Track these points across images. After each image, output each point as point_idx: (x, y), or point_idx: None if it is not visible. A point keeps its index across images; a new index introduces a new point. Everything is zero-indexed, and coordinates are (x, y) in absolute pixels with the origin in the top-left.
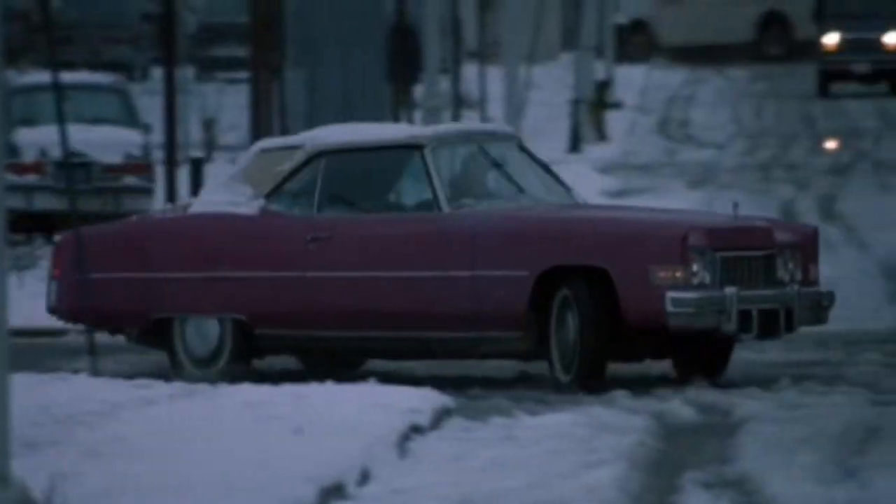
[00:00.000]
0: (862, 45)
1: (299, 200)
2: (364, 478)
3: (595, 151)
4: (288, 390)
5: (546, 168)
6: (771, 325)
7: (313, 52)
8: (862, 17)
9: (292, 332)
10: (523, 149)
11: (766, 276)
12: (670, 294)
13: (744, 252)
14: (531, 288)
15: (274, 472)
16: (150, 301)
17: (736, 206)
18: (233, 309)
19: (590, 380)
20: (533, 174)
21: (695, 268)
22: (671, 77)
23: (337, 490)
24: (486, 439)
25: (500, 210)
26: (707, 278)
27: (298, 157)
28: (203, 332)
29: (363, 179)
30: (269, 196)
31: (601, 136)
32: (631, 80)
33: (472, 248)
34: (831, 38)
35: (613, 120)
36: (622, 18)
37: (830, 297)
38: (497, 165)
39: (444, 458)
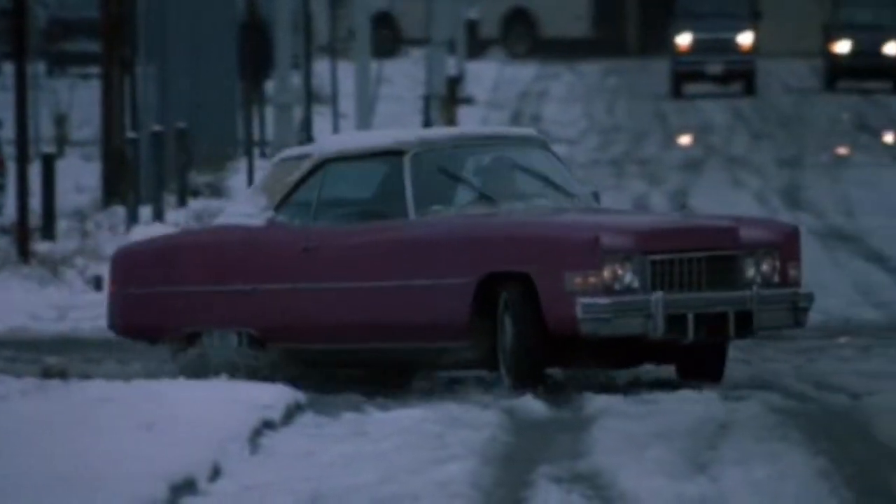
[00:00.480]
0: (715, 46)
1: (301, 210)
2: (215, 474)
3: None
4: (140, 386)
5: (567, 170)
6: (718, 328)
7: (165, 47)
8: (715, 18)
9: (298, 346)
10: (546, 150)
11: (722, 278)
12: (581, 300)
13: (686, 254)
14: (473, 296)
15: (125, 469)
16: (180, 315)
17: (683, 205)
18: (245, 323)
19: (528, 378)
20: (545, 178)
21: (614, 272)
22: (523, 72)
23: (188, 486)
24: (338, 435)
25: (458, 216)
26: (635, 282)
27: (305, 165)
28: (228, 346)
29: (354, 187)
30: (278, 207)
31: None
32: (482, 75)
33: (421, 256)
34: (684, 39)
35: (465, 115)
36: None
37: (808, 298)
38: (499, 169)
39: (296, 453)
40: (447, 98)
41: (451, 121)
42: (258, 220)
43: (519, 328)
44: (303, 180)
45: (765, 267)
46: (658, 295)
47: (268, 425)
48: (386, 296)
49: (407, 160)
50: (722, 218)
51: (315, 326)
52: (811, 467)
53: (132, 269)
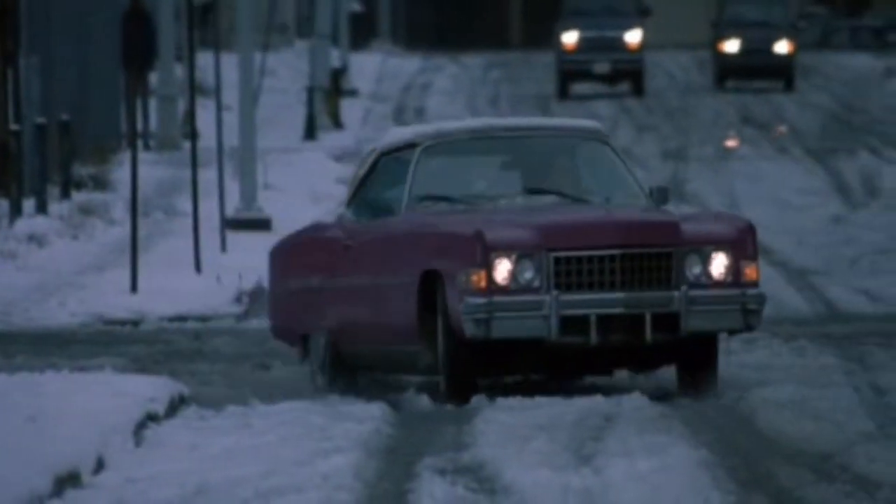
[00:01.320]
0: (602, 45)
1: (359, 207)
2: (100, 466)
3: (330, 139)
4: (22, 379)
5: (622, 168)
6: (630, 331)
7: (48, 38)
8: (602, 16)
9: (346, 348)
10: (602, 145)
11: (647, 277)
12: (467, 299)
13: (597, 251)
14: (417, 296)
15: (8, 462)
16: (294, 316)
17: (608, 199)
18: (321, 325)
19: (456, 388)
20: (578, 173)
21: (508, 270)
22: (406, 65)
23: (72, 479)
24: (222, 427)
25: (429, 213)
26: (536, 281)
27: (368, 160)
28: (318, 351)
29: (387, 182)
30: (348, 203)
31: (336, 123)
32: (366, 67)
33: (383, 253)
34: (570, 38)
35: (349, 108)
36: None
37: (759, 299)
38: (527, 164)
39: (180, 446)
40: (331, 90)
41: (334, 113)
42: (331, 218)
43: (443, 331)
44: (366, 175)
45: (714, 265)
46: (553, 294)
47: (152, 418)
48: (360, 296)
49: (417, 153)
50: (666, 213)
51: (342, 326)
52: (694, 459)
53: (271, 266)
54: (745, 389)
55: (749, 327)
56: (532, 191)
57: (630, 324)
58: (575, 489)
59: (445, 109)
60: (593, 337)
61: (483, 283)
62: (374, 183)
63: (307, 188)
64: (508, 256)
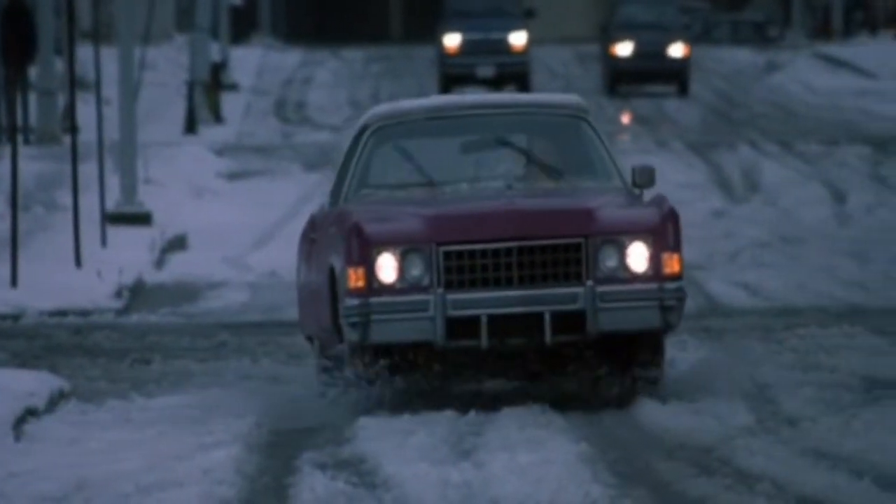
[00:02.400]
0: (486, 47)
1: (331, 195)
2: None
3: (211, 133)
4: None
5: (587, 148)
6: (527, 332)
7: None
8: (485, 17)
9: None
10: (579, 122)
11: (551, 272)
12: (344, 301)
13: (492, 244)
14: (329, 295)
15: None
16: (299, 314)
17: (509, 185)
18: (306, 323)
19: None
20: (555, 155)
21: (394, 267)
22: (287, 59)
23: None
24: (102, 422)
25: (363, 203)
26: (426, 279)
27: (348, 142)
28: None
29: (346, 166)
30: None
31: (217, 117)
32: (247, 61)
33: (314, 246)
34: (452, 40)
35: (229, 101)
36: None
37: (678, 293)
38: (483, 146)
39: (61, 440)
40: (211, 84)
41: (215, 107)
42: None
43: (342, 334)
44: (343, 159)
45: (631, 257)
46: (438, 292)
47: (32, 412)
48: (309, 293)
49: (366, 136)
50: (583, 199)
51: (311, 326)
52: (574, 453)
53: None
54: (625, 383)
55: (668, 326)
56: (490, 176)
57: (527, 324)
58: (455, 483)
59: (327, 104)
60: (485, 340)
61: (360, 283)
62: (341, 168)
63: (188, 182)
64: (393, 251)
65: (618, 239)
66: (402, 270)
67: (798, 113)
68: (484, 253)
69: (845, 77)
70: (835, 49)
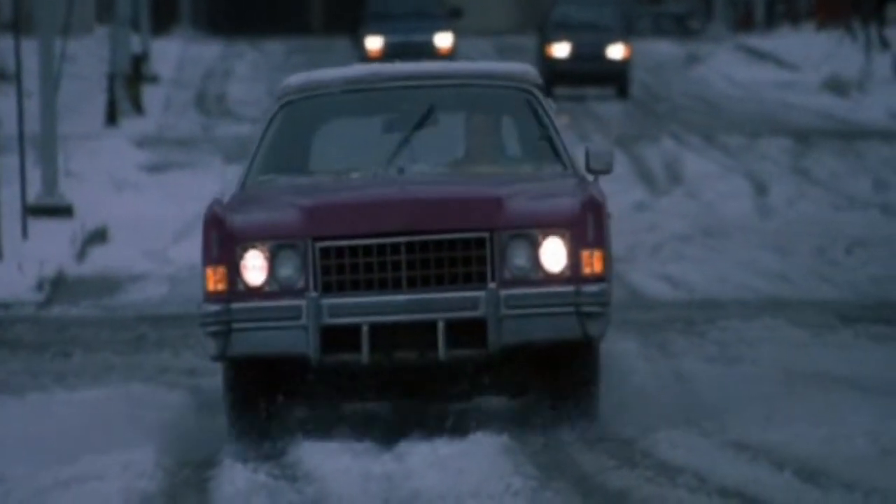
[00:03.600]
0: (409, 50)
1: None
2: None
3: (131, 125)
4: None
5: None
6: (418, 345)
7: None
8: (409, 19)
9: None
10: (523, 95)
11: (448, 274)
12: (202, 306)
13: (378, 239)
14: None
15: None
16: None
17: (401, 169)
18: None
19: (233, 413)
20: (491, 135)
21: (260, 265)
22: (207, 51)
23: None
24: (23, 415)
25: (256, 192)
26: (300, 281)
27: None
28: None
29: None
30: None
31: (138, 109)
32: (167, 53)
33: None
34: (374, 43)
35: (150, 94)
36: None
37: (600, 297)
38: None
39: None
40: (132, 76)
41: (136, 100)
42: None
43: None
44: None
45: (545, 255)
46: (311, 297)
47: None
48: None
49: (273, 112)
50: (485, 186)
51: None
52: (496, 444)
53: None
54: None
55: (587, 336)
56: (418, 161)
57: (417, 335)
58: (376, 475)
59: (247, 96)
60: (366, 354)
61: (221, 285)
62: (254, 150)
63: (109, 175)
64: (260, 247)
65: (529, 233)
66: (272, 270)
67: (720, 105)
68: (368, 250)
69: (767, 69)
70: (757, 41)
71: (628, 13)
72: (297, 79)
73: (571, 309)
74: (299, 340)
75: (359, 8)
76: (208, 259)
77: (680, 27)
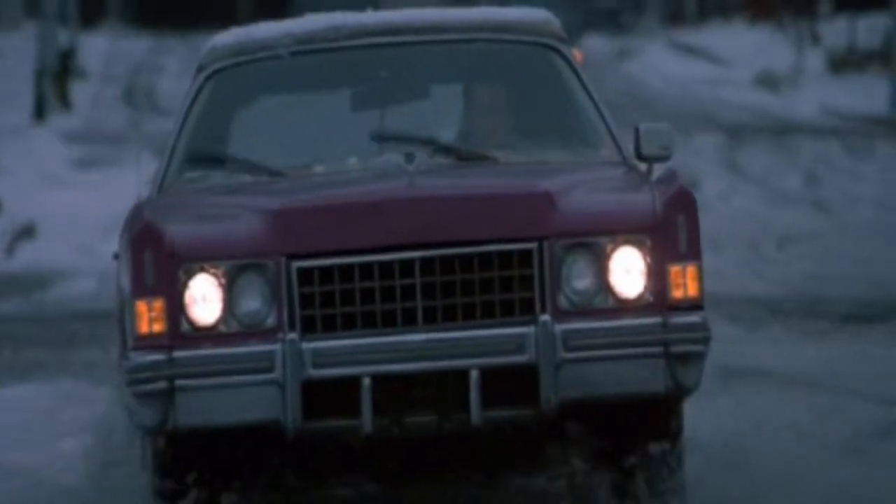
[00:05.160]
0: None
1: None
2: None
3: (60, 121)
4: None
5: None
6: (441, 404)
7: None
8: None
9: None
10: (548, 54)
11: (483, 300)
12: (127, 356)
13: (383, 255)
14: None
15: None
16: None
17: (411, 157)
18: None
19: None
20: (506, 110)
21: (212, 295)
22: (136, 45)
23: None
24: None
25: (182, 194)
26: (270, 317)
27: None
28: None
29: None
30: None
31: (66, 105)
32: (95, 48)
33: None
34: None
35: (78, 89)
36: None
37: (694, 332)
38: (409, 95)
39: None
40: (60, 71)
41: (64, 95)
42: None
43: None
44: None
45: (615, 273)
46: (289, 340)
47: None
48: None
49: (198, 85)
50: (527, 177)
51: None
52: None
53: None
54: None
55: (678, 387)
56: (393, 144)
57: (440, 391)
58: None
59: (177, 91)
60: (368, 419)
61: (158, 325)
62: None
63: (38, 170)
64: (213, 271)
65: (594, 242)
66: (231, 302)
67: (652, 101)
68: (367, 270)
69: (699, 65)
70: (688, 36)
71: (559, 8)
72: (227, 38)
73: (657, 349)
74: (271, 402)
75: (286, 1)
76: (139, 289)
77: (611, 22)
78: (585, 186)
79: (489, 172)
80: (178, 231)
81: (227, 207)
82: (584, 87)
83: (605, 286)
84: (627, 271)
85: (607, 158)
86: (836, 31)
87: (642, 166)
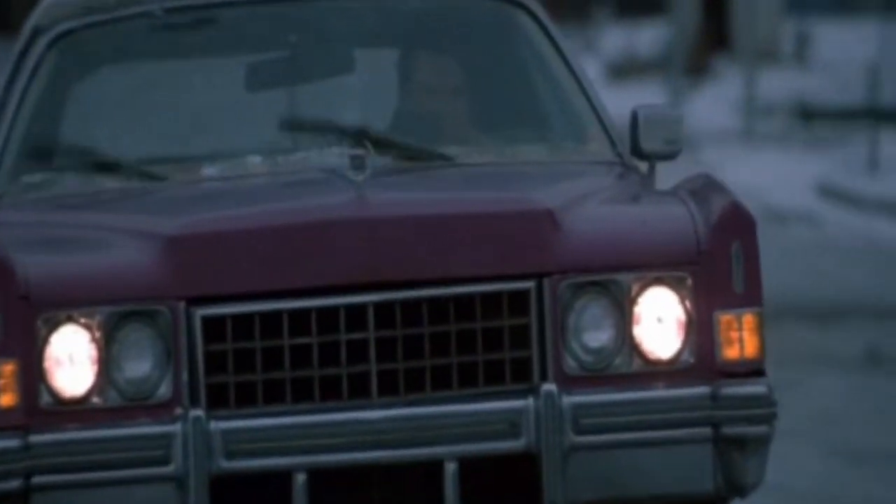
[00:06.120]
0: None
1: None
2: None
3: None
4: None
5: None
6: None
7: None
8: None
9: None
10: (515, 12)
11: (463, 363)
12: None
13: (335, 299)
14: None
15: None
16: None
17: (358, 161)
18: None
19: None
20: (460, 86)
21: (80, 355)
22: None
23: None
24: None
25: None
26: (163, 386)
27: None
28: None
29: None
30: None
31: None
32: None
33: None
34: None
35: None
36: None
37: (755, 406)
38: (328, 66)
39: None
40: None
41: None
42: None
43: None
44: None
45: (644, 323)
46: (192, 418)
47: None
48: None
49: (37, 54)
50: (516, 186)
51: None
52: None
53: None
54: None
55: (734, 487)
56: (316, 144)
57: (403, 491)
58: None
59: None
60: None
61: (9, 398)
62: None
63: None
64: (84, 320)
65: (611, 281)
66: (108, 366)
67: None
68: (300, 319)
69: None
70: None
71: None
72: None
73: (703, 432)
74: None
75: None
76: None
77: None
78: (594, 200)
79: (459, 180)
80: (33, 265)
81: (96, 229)
82: (563, 57)
83: (628, 342)
84: (660, 321)
85: (599, 155)
86: (615, 39)
87: (641, 166)
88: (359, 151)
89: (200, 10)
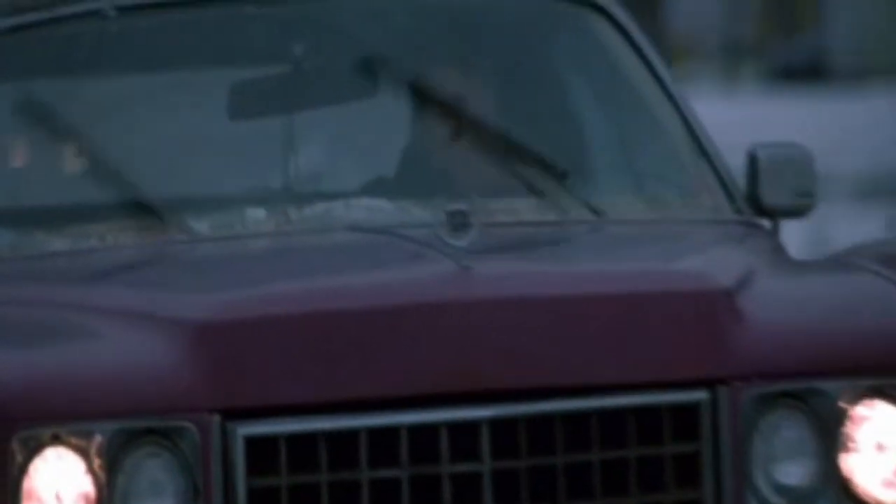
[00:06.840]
0: None
1: None
2: None
3: None
4: None
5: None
6: None
7: None
8: None
9: None
10: (593, 17)
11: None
12: None
13: (436, 413)
14: None
15: None
16: None
17: (459, 214)
18: None
19: None
20: (525, 114)
21: (63, 490)
22: None
23: None
24: None
25: None
26: None
27: None
28: None
29: None
30: None
31: None
32: None
33: None
34: None
35: None
36: None
37: None
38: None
39: None
40: None
41: None
42: None
43: None
44: None
45: (857, 455)
46: None
47: None
48: None
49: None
50: (671, 254)
51: None
52: None
53: None
54: None
55: None
56: (334, 184)
57: None
58: None
59: None
60: None
61: None
62: None
63: None
64: (75, 443)
65: (815, 390)
66: (112, 501)
67: None
68: (383, 442)
69: None
70: None
71: None
72: None
73: None
74: None
75: None
76: None
77: None
78: (765, 276)
79: (598, 246)
80: (4, 363)
81: (89, 311)
82: (658, 79)
83: (836, 477)
84: (880, 449)
85: (715, 212)
86: None
87: (762, 222)
88: (460, 206)
89: (167, 10)
